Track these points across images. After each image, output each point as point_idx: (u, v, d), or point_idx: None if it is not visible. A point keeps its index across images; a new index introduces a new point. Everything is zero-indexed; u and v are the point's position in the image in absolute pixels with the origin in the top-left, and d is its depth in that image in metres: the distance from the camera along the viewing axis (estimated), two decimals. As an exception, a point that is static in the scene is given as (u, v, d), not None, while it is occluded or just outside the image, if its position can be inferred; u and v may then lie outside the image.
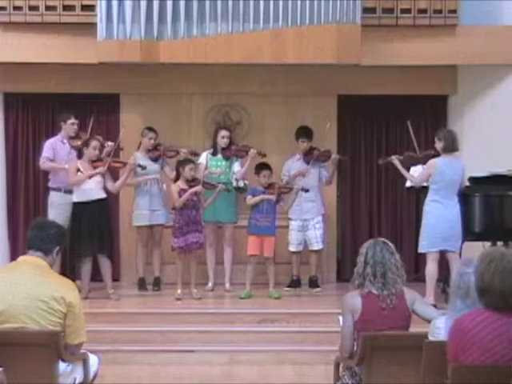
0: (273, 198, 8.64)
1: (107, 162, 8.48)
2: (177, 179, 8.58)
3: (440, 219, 7.98)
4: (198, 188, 8.44)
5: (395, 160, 8.46)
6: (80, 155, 8.70)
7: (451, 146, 8.08)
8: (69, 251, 8.48)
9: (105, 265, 8.52)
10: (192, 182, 8.53)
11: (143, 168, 8.76)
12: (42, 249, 4.65)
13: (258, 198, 8.67)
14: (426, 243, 8.09)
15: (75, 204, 8.44)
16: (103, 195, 8.50)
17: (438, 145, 8.13)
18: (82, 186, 8.39)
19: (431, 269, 8.07)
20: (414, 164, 8.59)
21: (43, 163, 8.83)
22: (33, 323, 4.47)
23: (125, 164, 8.67)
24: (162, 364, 7.27)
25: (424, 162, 8.31)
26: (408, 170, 8.56)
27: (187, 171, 8.50)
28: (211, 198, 8.63)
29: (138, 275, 9.16)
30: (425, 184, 8.32)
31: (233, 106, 9.82)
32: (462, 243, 8.22)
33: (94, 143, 8.51)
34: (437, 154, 8.21)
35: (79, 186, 8.40)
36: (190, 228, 8.44)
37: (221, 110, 9.81)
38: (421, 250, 8.20)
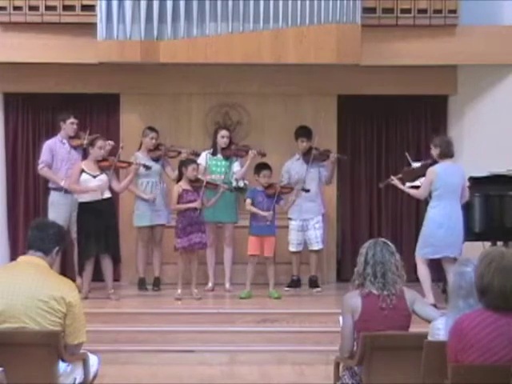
0: (268, 215, 8.58)
1: (113, 162, 8.47)
2: (179, 179, 8.58)
3: (443, 227, 7.91)
4: (197, 204, 8.42)
5: (395, 181, 8.41)
6: (85, 155, 8.71)
7: (447, 151, 8.06)
8: (78, 251, 8.50)
9: (107, 265, 8.51)
10: (195, 182, 8.52)
11: (148, 168, 8.76)
12: (41, 249, 4.65)
13: (255, 211, 8.64)
14: (429, 250, 8.01)
15: (81, 204, 8.43)
16: (108, 195, 8.49)
17: (434, 151, 8.12)
18: (88, 185, 8.37)
19: (424, 271, 8.05)
20: (414, 178, 8.51)
21: (41, 169, 8.84)
22: (33, 323, 4.46)
23: (130, 164, 8.66)
24: (162, 364, 7.27)
25: (423, 174, 8.25)
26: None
27: (190, 171, 8.49)
28: (214, 198, 8.62)
29: (138, 275, 9.16)
30: None
31: (233, 106, 9.82)
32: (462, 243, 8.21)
33: (99, 143, 8.49)
34: (434, 163, 8.18)
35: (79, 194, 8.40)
36: (193, 228, 8.43)
37: (221, 110, 9.80)
38: (421, 256, 8.08)
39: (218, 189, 8.61)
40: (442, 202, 7.99)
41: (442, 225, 7.93)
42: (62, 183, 8.62)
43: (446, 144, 8.12)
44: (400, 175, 8.49)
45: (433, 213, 8.03)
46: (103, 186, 8.38)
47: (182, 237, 8.42)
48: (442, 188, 7.99)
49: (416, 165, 8.60)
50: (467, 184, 8.31)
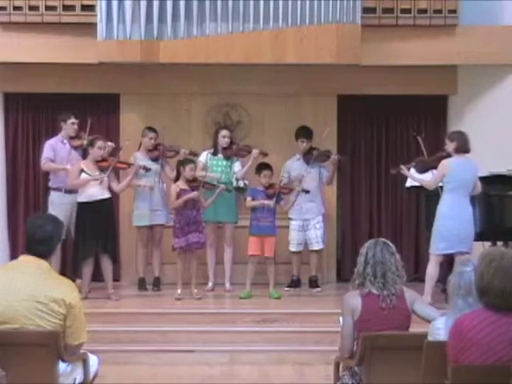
0: (271, 204, 8.62)
1: (112, 162, 8.47)
2: (177, 179, 8.58)
3: (455, 220, 7.85)
4: (195, 195, 8.42)
5: (404, 170, 8.35)
6: (85, 155, 8.71)
7: (464, 147, 8.00)
8: (73, 251, 8.50)
9: (107, 265, 8.52)
10: (192, 182, 8.52)
11: (148, 170, 8.75)
12: (41, 249, 4.60)
13: (256, 203, 8.67)
14: (444, 245, 7.93)
15: (80, 204, 8.43)
16: (107, 195, 8.49)
17: (450, 146, 8.03)
18: (87, 185, 8.38)
19: (433, 270, 8.00)
20: (427, 169, 8.44)
21: (44, 164, 8.84)
22: (32, 324, 4.44)
23: (129, 165, 8.66)
24: (162, 364, 7.27)
25: (436, 166, 8.14)
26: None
27: (188, 171, 8.50)
28: (212, 198, 8.63)
29: (138, 275, 9.16)
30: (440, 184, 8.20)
31: (233, 106, 9.82)
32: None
33: (99, 143, 8.50)
34: (447, 156, 8.14)
35: (83, 189, 8.40)
36: (190, 228, 8.43)
37: (221, 110, 9.81)
38: (436, 251, 7.99)
39: (215, 188, 8.61)
40: (454, 196, 7.91)
41: (454, 218, 7.86)
42: (68, 166, 8.60)
43: (463, 139, 8.03)
44: (412, 164, 8.44)
45: (444, 206, 7.96)
46: (104, 183, 8.40)
47: (180, 236, 8.42)
48: (455, 182, 7.91)
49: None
50: (479, 184, 8.24)
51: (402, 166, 8.40)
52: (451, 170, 7.94)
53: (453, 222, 7.88)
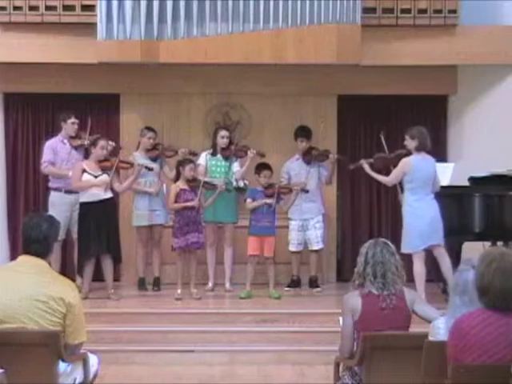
0: (272, 202, 8.62)
1: (115, 162, 8.46)
2: (177, 179, 8.59)
3: (422, 218, 7.88)
4: (194, 203, 8.42)
5: (365, 164, 8.38)
6: (87, 155, 8.71)
7: (424, 145, 8.03)
8: (78, 251, 8.50)
9: (108, 265, 8.51)
10: (192, 182, 8.53)
11: (150, 170, 8.75)
12: (39, 249, 4.60)
13: (256, 204, 8.67)
14: (414, 243, 7.95)
15: (82, 204, 8.42)
16: (110, 195, 8.49)
17: (411, 143, 8.04)
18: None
19: (419, 268, 7.96)
20: (386, 166, 8.46)
21: (45, 168, 8.83)
22: (32, 323, 4.45)
23: (131, 165, 8.66)
24: (162, 364, 7.27)
25: (396, 163, 8.18)
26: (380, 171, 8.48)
27: (187, 171, 8.50)
28: (211, 198, 8.64)
29: (138, 275, 9.16)
30: None
31: (233, 106, 9.82)
32: (462, 243, 8.19)
33: (101, 143, 8.49)
34: (407, 154, 8.14)
35: (84, 191, 8.40)
36: (190, 228, 8.44)
37: (221, 110, 9.81)
38: (407, 250, 7.90)
39: (215, 189, 8.61)
40: (418, 195, 7.94)
41: (423, 217, 7.88)
42: (70, 173, 8.60)
43: (423, 136, 8.05)
44: (371, 160, 8.45)
45: (410, 206, 7.98)
46: (105, 185, 8.40)
47: (179, 237, 8.43)
48: (416, 181, 7.95)
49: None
50: (439, 180, 8.25)
51: (363, 161, 8.41)
52: (413, 169, 7.95)
53: (422, 221, 7.88)
